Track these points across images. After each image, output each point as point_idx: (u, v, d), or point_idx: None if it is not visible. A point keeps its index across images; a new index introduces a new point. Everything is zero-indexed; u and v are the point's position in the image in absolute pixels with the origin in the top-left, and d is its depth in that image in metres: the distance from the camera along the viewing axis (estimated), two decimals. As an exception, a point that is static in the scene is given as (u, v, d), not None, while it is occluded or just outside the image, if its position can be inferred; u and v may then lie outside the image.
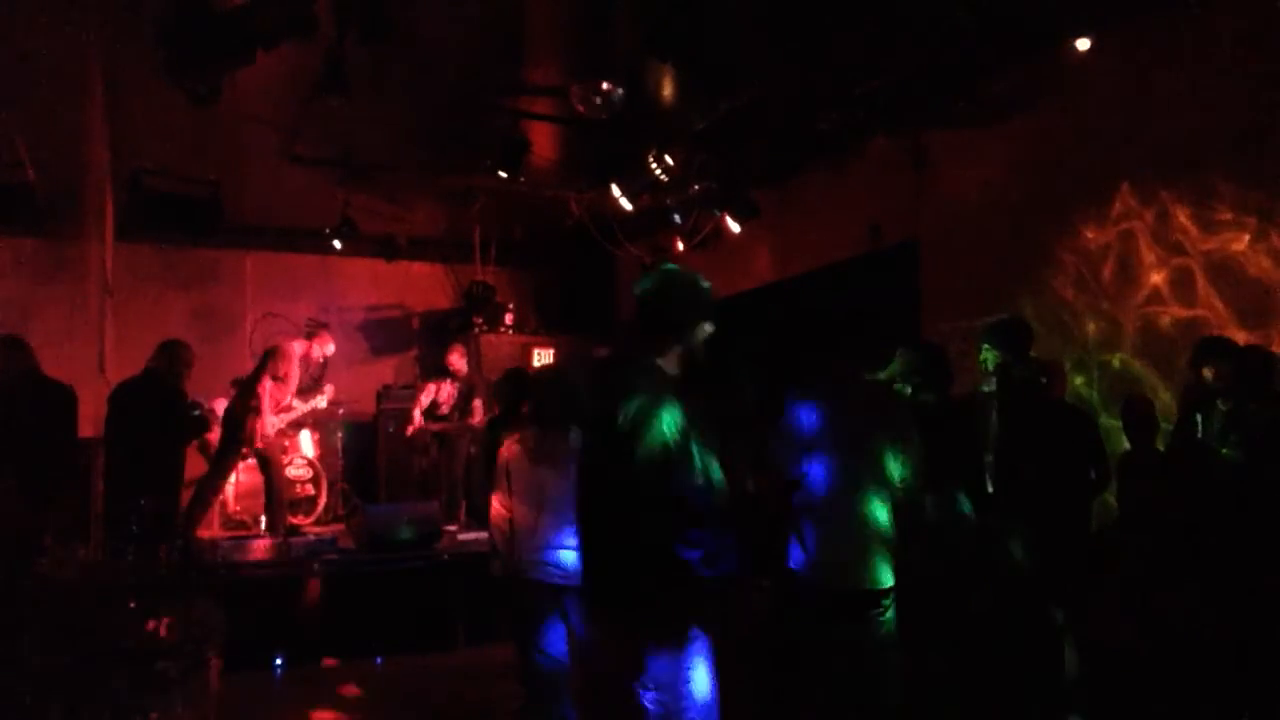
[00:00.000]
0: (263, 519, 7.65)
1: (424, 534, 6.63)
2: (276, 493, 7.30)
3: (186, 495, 6.69)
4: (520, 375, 4.97)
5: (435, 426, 8.04)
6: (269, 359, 7.10)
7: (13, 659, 4.48)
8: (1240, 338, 4.56)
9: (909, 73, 5.84)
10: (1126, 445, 4.72)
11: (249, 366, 7.84)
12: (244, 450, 7.05)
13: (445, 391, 8.06)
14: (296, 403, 7.45)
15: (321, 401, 7.74)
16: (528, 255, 10.51)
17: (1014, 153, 5.98)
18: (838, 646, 3.34)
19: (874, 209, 7.07)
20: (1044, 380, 4.54)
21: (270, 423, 7.00)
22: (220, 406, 7.56)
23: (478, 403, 8.25)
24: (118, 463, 5.67)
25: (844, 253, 7.39)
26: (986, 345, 4.38)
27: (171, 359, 5.82)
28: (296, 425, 8.16)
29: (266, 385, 6.96)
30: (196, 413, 6.67)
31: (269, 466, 7.29)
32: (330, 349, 8.11)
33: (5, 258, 8.09)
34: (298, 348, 7.49)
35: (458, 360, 8.26)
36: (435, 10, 5.59)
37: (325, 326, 9.71)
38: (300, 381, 7.67)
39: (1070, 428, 4.45)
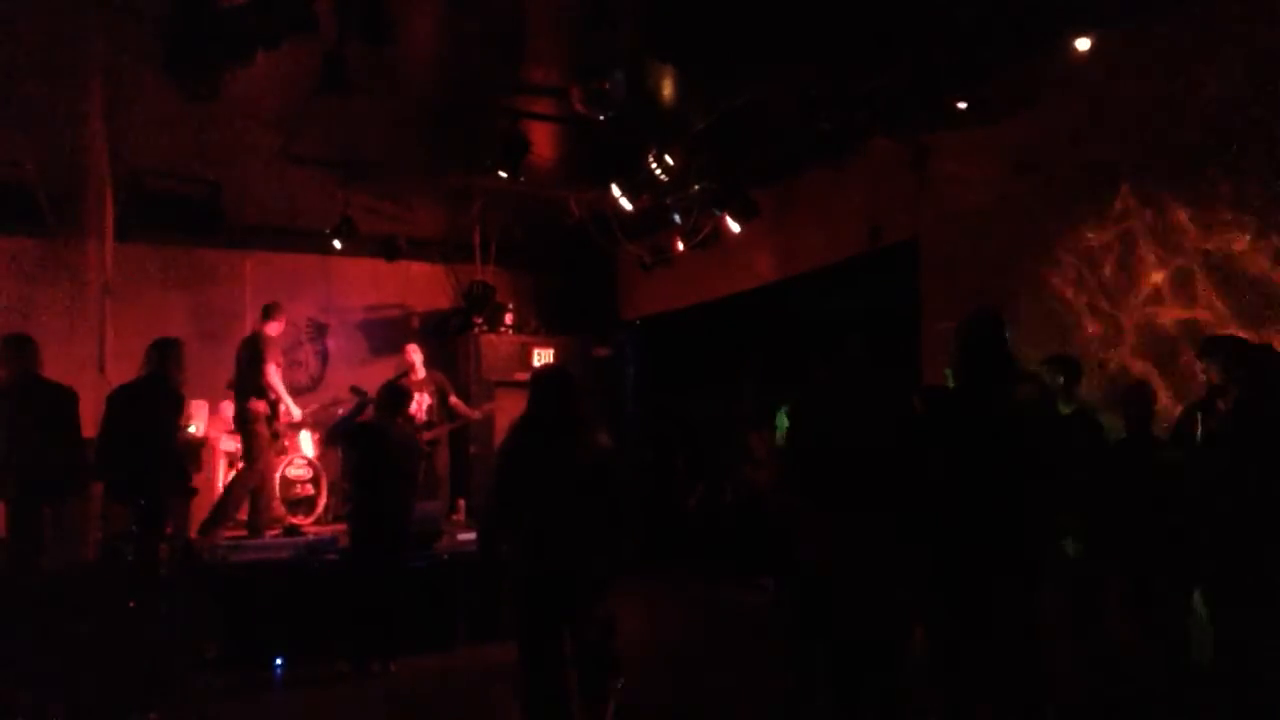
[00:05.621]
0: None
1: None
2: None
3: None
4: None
5: (429, 435, 8.01)
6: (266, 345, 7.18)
7: (13, 658, 4.49)
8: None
9: (909, 73, 5.84)
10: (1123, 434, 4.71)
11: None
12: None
13: (418, 398, 8.02)
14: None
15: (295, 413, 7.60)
16: (528, 255, 10.50)
17: (1014, 153, 5.97)
18: None
19: (874, 209, 7.06)
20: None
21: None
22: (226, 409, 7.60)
23: (455, 400, 8.28)
24: (118, 463, 5.65)
25: (844, 253, 7.38)
26: None
27: (163, 359, 5.78)
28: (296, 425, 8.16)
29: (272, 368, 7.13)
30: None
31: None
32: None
33: (5, 258, 8.09)
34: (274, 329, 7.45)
35: (416, 360, 8.28)
36: (435, 10, 5.59)
37: (326, 327, 9.78)
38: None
39: None
